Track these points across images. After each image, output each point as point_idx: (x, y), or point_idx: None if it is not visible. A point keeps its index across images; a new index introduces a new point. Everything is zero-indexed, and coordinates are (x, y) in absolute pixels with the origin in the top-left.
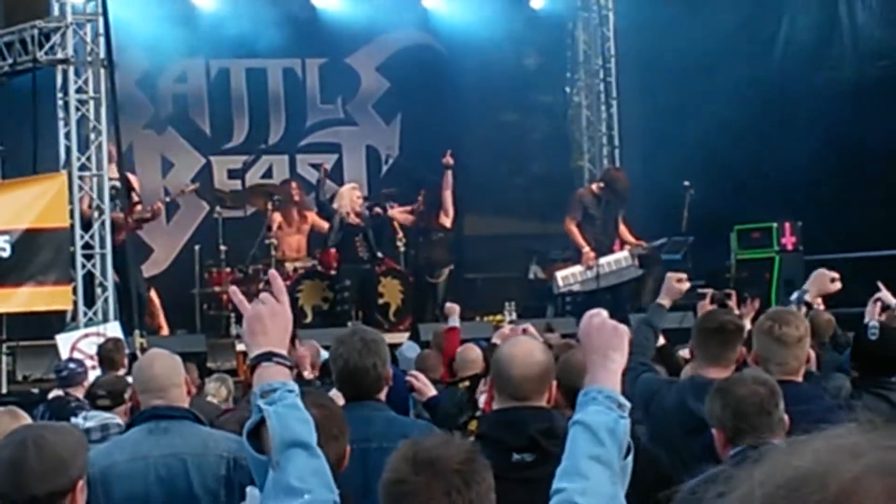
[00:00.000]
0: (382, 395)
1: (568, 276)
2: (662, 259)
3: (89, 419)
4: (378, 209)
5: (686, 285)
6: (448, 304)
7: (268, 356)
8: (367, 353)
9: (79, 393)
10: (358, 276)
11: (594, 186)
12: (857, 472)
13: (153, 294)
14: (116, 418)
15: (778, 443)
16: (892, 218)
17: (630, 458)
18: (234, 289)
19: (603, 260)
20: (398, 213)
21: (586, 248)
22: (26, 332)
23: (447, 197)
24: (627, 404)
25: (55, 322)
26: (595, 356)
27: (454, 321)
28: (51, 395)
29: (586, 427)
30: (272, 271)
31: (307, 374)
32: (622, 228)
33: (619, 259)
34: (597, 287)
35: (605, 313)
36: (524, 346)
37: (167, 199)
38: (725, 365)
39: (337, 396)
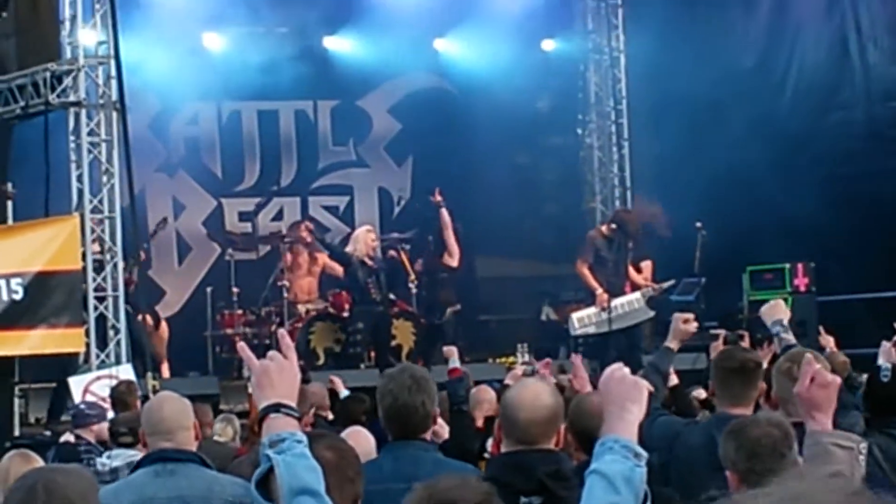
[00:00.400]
0: (429, 435)
1: (583, 318)
2: (672, 301)
3: (114, 458)
4: (392, 252)
5: (693, 326)
6: (446, 348)
7: (276, 407)
8: (417, 390)
9: (91, 437)
10: (371, 318)
11: (605, 228)
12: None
13: (163, 329)
14: (139, 455)
15: (735, 496)
16: None
17: None
18: (242, 345)
19: (616, 302)
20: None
21: (599, 290)
22: (39, 374)
23: (449, 236)
24: (644, 454)
25: (68, 365)
26: (613, 407)
27: (454, 362)
28: (62, 439)
29: (602, 476)
30: (281, 331)
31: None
32: (632, 270)
33: (631, 301)
34: (609, 329)
35: (626, 369)
36: (531, 389)
37: (145, 246)
38: (747, 403)
39: (356, 433)
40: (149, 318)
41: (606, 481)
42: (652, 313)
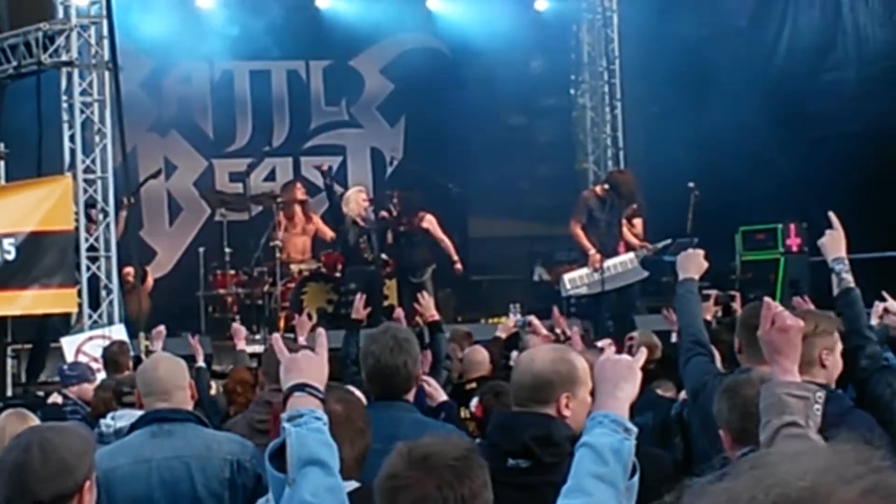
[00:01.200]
0: (411, 396)
1: (575, 279)
2: (665, 261)
3: (118, 419)
4: (384, 212)
5: (705, 265)
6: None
7: (301, 387)
8: (399, 351)
9: (85, 396)
10: (364, 278)
11: (598, 188)
12: (855, 496)
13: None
14: None
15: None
16: None
17: (636, 478)
18: (276, 337)
19: (609, 262)
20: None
21: (592, 251)
22: (33, 334)
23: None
24: (634, 429)
25: (47, 325)
26: (606, 385)
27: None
28: (50, 400)
29: (591, 447)
30: (319, 329)
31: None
32: (626, 230)
33: (624, 261)
34: (602, 290)
35: (626, 358)
36: (532, 353)
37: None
38: None
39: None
40: (130, 272)
41: (595, 453)
42: (645, 274)
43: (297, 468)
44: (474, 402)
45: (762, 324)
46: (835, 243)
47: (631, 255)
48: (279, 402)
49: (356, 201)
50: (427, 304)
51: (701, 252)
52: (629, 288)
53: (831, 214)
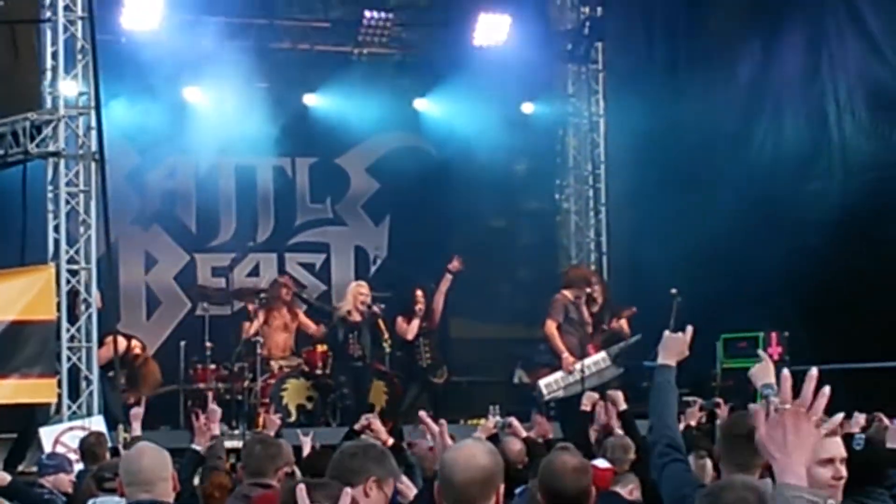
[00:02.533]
0: None
1: (551, 383)
2: (645, 367)
3: None
4: (376, 308)
5: (689, 332)
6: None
7: None
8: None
9: (61, 486)
10: (353, 374)
11: (567, 292)
12: None
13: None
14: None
15: None
16: (878, 330)
17: None
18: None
19: (585, 362)
20: (402, 321)
21: (565, 354)
22: (11, 424)
23: (439, 300)
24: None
25: (29, 415)
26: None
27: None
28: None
29: None
30: (212, 406)
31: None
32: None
33: (597, 360)
34: (582, 389)
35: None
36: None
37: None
38: (753, 471)
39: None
40: (137, 345)
41: None
42: (620, 370)
43: None
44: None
45: (757, 426)
46: (763, 372)
47: (602, 354)
48: (258, 496)
49: (355, 295)
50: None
51: (687, 337)
52: (606, 386)
53: (760, 351)
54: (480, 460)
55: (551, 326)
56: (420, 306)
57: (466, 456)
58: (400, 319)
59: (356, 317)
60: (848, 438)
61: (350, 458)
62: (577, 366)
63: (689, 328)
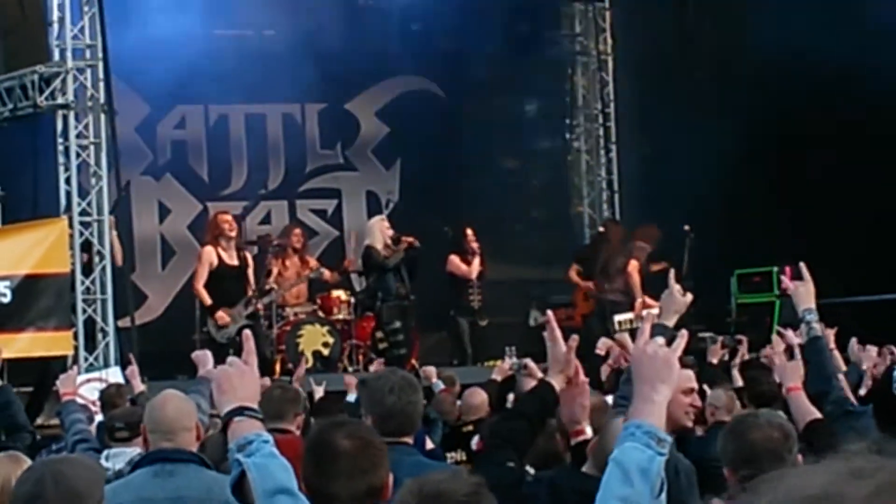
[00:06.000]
0: (411, 439)
1: (624, 322)
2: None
3: (112, 458)
4: (409, 240)
5: (688, 296)
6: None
7: (239, 411)
8: (412, 391)
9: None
10: (403, 315)
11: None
12: (869, 493)
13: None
14: (138, 450)
15: (789, 470)
16: (893, 263)
17: (663, 496)
18: (248, 333)
19: (652, 311)
20: (457, 260)
21: (640, 299)
22: (28, 378)
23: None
24: (668, 439)
25: (46, 368)
26: (644, 386)
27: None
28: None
29: (619, 465)
30: (246, 332)
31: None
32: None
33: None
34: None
35: (660, 340)
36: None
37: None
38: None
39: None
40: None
41: (622, 471)
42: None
43: (262, 500)
44: (475, 440)
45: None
46: (805, 294)
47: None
48: (280, 439)
49: (381, 230)
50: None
51: (688, 299)
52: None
53: (802, 266)
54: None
55: (631, 271)
56: (475, 244)
57: None
58: (455, 258)
59: (387, 252)
60: (886, 378)
61: None
62: (645, 312)
63: (689, 296)
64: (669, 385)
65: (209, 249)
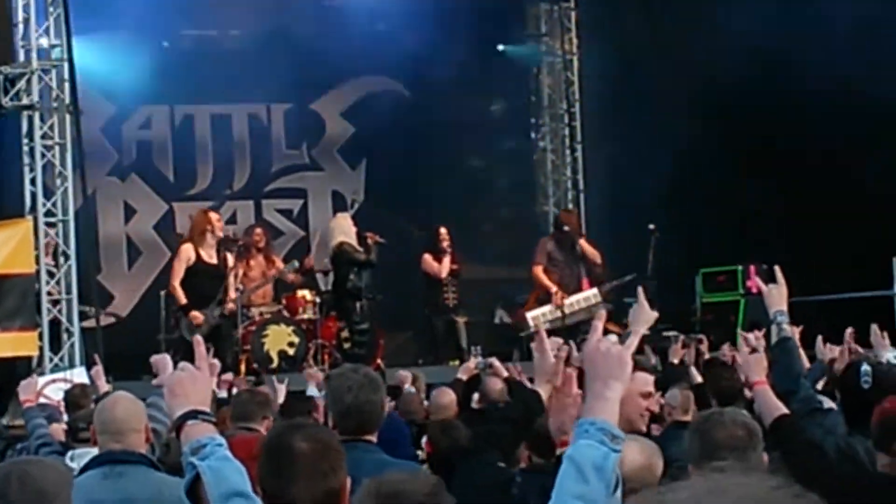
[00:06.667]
0: (374, 437)
1: (538, 316)
2: (625, 303)
3: (77, 458)
4: (374, 237)
5: (655, 313)
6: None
7: (193, 414)
8: (374, 389)
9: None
10: (370, 313)
11: (553, 235)
12: None
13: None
14: None
15: (667, 485)
16: (857, 261)
17: (619, 493)
18: (198, 338)
19: (571, 299)
20: (430, 259)
21: (554, 289)
22: None
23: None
24: (622, 436)
25: (21, 368)
26: (596, 383)
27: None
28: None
29: (573, 463)
30: (196, 337)
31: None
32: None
33: (588, 296)
34: (562, 325)
35: (612, 338)
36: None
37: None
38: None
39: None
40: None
41: (577, 469)
42: (609, 306)
43: (219, 503)
44: (424, 439)
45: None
46: (778, 297)
47: (594, 290)
48: (237, 438)
49: (350, 226)
50: None
51: (654, 314)
52: (590, 322)
53: (776, 268)
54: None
55: (536, 269)
56: (447, 244)
57: None
58: (428, 257)
59: (356, 253)
60: (853, 375)
61: None
62: (567, 300)
63: (655, 314)
64: (623, 382)
65: (188, 246)
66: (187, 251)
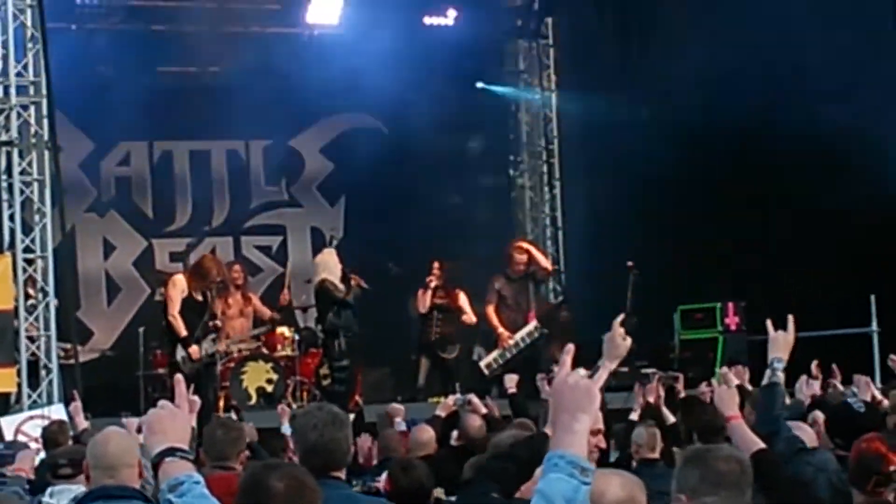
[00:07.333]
0: (343, 474)
1: (490, 363)
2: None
3: (56, 494)
4: (358, 280)
5: (629, 341)
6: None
7: (171, 452)
8: (340, 426)
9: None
10: (350, 350)
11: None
12: None
13: None
14: (82, 487)
15: None
16: (835, 298)
17: None
18: (179, 377)
19: (516, 337)
20: (420, 294)
21: (500, 329)
22: None
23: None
24: (591, 468)
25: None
26: (563, 416)
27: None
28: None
29: (544, 496)
30: (177, 376)
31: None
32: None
33: (530, 331)
34: (511, 357)
35: (581, 372)
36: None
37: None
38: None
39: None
40: None
41: (547, 502)
42: (545, 331)
43: None
44: (383, 476)
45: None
46: (783, 344)
47: (534, 323)
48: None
49: (335, 263)
50: None
51: (628, 343)
52: (531, 346)
53: (790, 319)
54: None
55: (487, 308)
56: (432, 279)
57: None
58: (420, 292)
59: (338, 291)
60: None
61: None
62: (511, 341)
63: (629, 340)
64: (590, 415)
65: (181, 278)
66: (182, 283)
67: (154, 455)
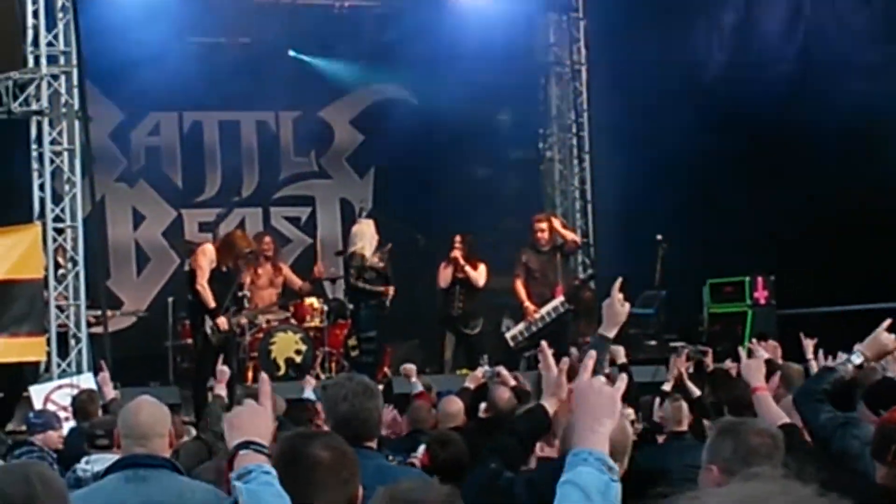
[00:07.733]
0: (374, 443)
1: (516, 335)
2: (632, 314)
3: (93, 462)
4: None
5: (627, 307)
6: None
7: (245, 444)
8: (370, 396)
9: (50, 443)
10: (378, 321)
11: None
12: None
13: None
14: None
15: (703, 490)
16: (864, 272)
17: None
18: (264, 377)
19: (541, 311)
20: (442, 268)
21: (527, 303)
22: (4, 383)
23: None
24: (616, 468)
25: (18, 375)
26: (587, 419)
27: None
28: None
29: (577, 487)
30: (263, 375)
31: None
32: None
33: (556, 306)
34: (537, 330)
35: (602, 379)
36: None
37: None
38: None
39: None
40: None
41: (583, 493)
42: (570, 306)
43: None
44: (421, 450)
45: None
46: (875, 345)
47: (561, 298)
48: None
49: (373, 234)
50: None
51: (626, 308)
52: (557, 321)
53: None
54: None
55: (515, 282)
56: (453, 253)
57: None
58: (442, 266)
59: (376, 261)
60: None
61: None
62: (537, 315)
63: (628, 305)
64: (613, 420)
65: (211, 248)
66: (211, 252)
67: (230, 447)
